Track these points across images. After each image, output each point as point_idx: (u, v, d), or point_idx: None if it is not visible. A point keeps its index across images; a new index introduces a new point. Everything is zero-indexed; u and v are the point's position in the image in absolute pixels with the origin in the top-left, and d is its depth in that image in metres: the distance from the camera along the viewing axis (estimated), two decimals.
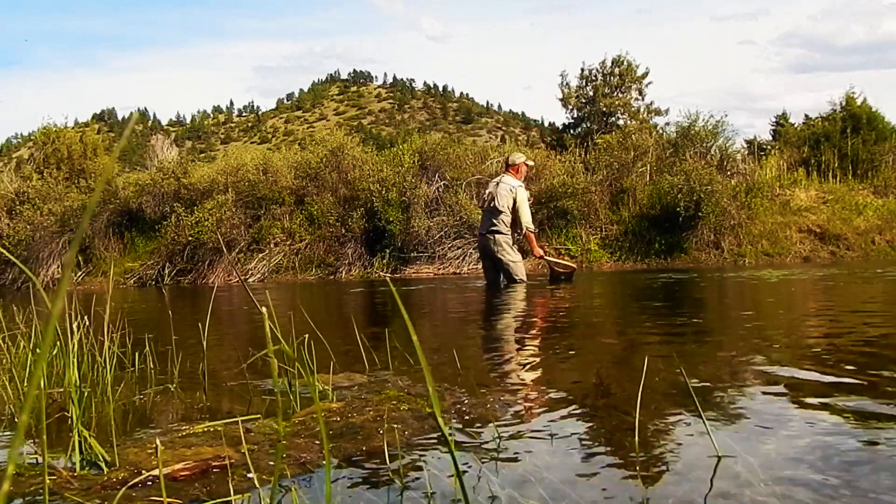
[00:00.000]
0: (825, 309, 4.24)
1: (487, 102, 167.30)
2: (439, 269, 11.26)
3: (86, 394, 1.70)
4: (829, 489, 1.12)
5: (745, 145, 14.74)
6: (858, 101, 14.40)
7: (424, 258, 11.49)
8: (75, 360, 1.75)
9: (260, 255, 12.41)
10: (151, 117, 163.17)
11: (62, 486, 1.25)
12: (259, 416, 1.69)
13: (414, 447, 1.45)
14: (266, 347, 0.94)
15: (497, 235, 6.83)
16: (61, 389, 1.88)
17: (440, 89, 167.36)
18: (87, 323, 2.07)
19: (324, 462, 1.33)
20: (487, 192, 7.12)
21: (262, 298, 5.62)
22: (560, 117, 63.43)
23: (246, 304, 6.12)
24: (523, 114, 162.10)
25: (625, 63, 20.35)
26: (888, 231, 11.74)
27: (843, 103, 14.49)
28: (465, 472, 1.28)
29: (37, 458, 1.43)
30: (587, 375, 2.25)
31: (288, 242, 12.52)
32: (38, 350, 1.99)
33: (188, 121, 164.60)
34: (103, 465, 1.34)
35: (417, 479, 1.25)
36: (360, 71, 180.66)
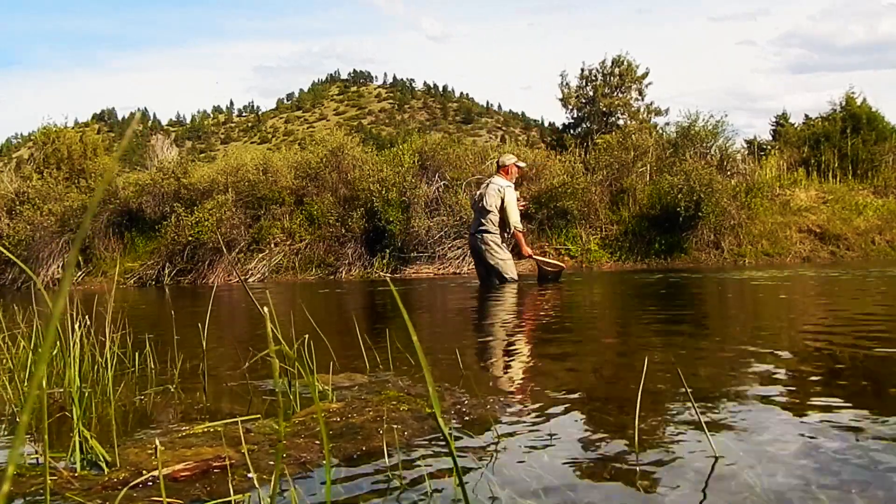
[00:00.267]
0: (824, 309, 4.24)
1: (487, 102, 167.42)
2: (439, 269, 11.27)
3: (86, 394, 1.70)
4: (828, 490, 1.13)
5: (745, 145, 14.74)
6: (858, 101, 14.40)
7: (424, 258, 11.49)
8: (76, 361, 1.75)
9: (260, 255, 12.41)
10: (151, 117, 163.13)
11: (63, 486, 1.25)
12: (259, 416, 1.70)
13: (414, 447, 1.45)
14: (267, 348, 0.94)
15: (485, 235, 6.91)
16: (62, 389, 1.88)
17: (440, 89, 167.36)
18: (88, 323, 2.07)
19: (324, 462, 1.33)
20: (478, 192, 7.22)
21: (262, 298, 5.62)
22: (560, 117, 63.44)
23: (246, 305, 6.12)
24: (523, 114, 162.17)
25: (625, 63, 20.34)
26: (888, 231, 11.74)
27: (843, 103, 14.49)
28: (464, 472, 1.28)
29: (38, 459, 1.43)
30: (587, 376, 2.25)
31: (288, 242, 12.52)
32: (38, 350, 2.00)
33: (188, 121, 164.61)
34: (104, 465, 1.35)
35: (417, 479, 1.26)
36: (360, 71, 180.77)
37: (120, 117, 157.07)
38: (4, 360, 2.24)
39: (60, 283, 0.38)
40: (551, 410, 1.72)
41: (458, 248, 11.41)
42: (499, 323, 4.12)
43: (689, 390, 1.50)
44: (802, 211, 12.16)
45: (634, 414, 1.44)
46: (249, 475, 1.26)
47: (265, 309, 1.01)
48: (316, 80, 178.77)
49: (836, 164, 13.69)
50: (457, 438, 1.49)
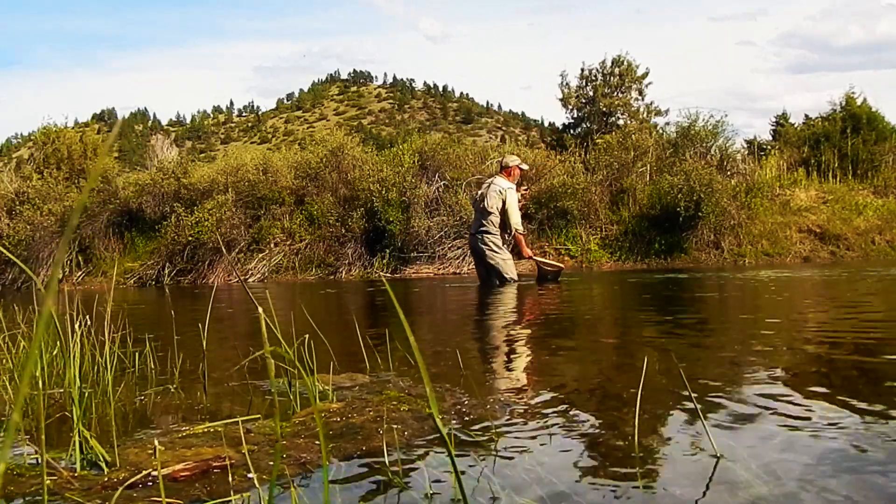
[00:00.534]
0: (825, 309, 4.24)
1: (487, 102, 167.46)
2: (439, 269, 11.26)
3: (86, 394, 1.70)
4: (828, 489, 1.12)
5: (745, 145, 14.74)
6: (858, 102, 14.39)
7: (424, 258, 11.49)
8: (76, 361, 1.75)
9: (260, 255, 12.41)
10: (151, 117, 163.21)
11: (62, 486, 1.25)
12: (259, 416, 1.70)
13: (414, 447, 1.45)
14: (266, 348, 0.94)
15: (486, 236, 6.91)
16: (62, 389, 1.88)
17: (440, 89, 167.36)
18: (88, 323, 2.07)
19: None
20: (479, 192, 7.20)
21: (261, 298, 5.62)
22: (560, 117, 63.38)
23: (246, 304, 6.13)
24: (523, 114, 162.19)
25: (625, 63, 20.33)
26: (888, 231, 11.74)
27: (843, 103, 14.49)
28: (464, 472, 1.28)
29: (37, 459, 1.43)
30: (587, 375, 2.25)
31: (288, 242, 12.52)
32: (37, 351, 1.99)
33: (188, 121, 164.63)
34: (104, 465, 1.35)
35: (417, 479, 1.25)
36: (360, 71, 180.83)
37: (120, 117, 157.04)
38: (4, 361, 2.24)
39: (49, 280, 0.38)
40: (551, 410, 1.72)
41: (458, 248, 11.41)
42: (499, 323, 4.12)
43: (690, 389, 1.50)
44: (802, 211, 12.16)
45: (635, 413, 1.44)
46: (249, 475, 1.26)
47: (259, 309, 1.01)
48: (316, 80, 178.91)
49: (836, 164, 13.69)
50: (457, 438, 1.49)
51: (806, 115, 17.61)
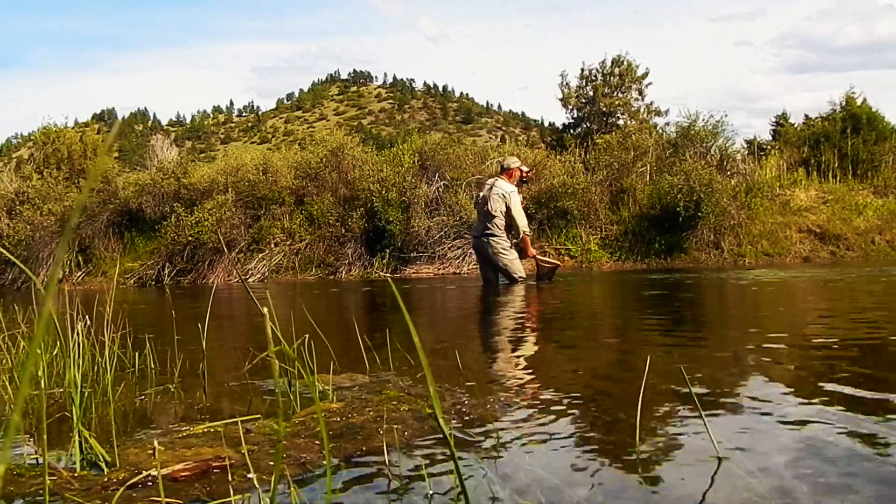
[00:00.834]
0: (824, 309, 4.24)
1: (487, 102, 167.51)
2: (439, 269, 11.26)
3: (86, 394, 1.70)
4: (829, 489, 1.12)
5: (745, 145, 14.73)
6: (858, 102, 14.39)
7: (424, 258, 11.49)
8: (76, 361, 1.75)
9: (260, 255, 12.40)
10: (151, 117, 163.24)
11: (62, 486, 1.25)
12: (259, 416, 1.69)
13: (414, 447, 1.45)
14: (267, 348, 0.94)
15: (491, 238, 6.94)
16: (62, 389, 1.88)
17: (440, 89, 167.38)
18: (88, 323, 2.07)
19: (324, 462, 1.33)
20: (481, 194, 7.19)
21: (262, 298, 5.61)
22: (560, 117, 63.42)
23: (246, 304, 6.12)
24: (523, 114, 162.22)
25: (625, 63, 20.34)
26: (888, 231, 11.74)
27: (843, 103, 14.49)
28: (464, 472, 1.28)
29: (37, 459, 1.43)
30: (587, 375, 2.25)
31: (288, 242, 12.52)
32: (38, 350, 1.99)
33: (188, 121, 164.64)
34: (104, 465, 1.34)
35: (417, 479, 1.25)
36: (360, 71, 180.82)
37: (120, 117, 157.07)
38: (4, 361, 2.24)
39: (49, 280, 0.38)
40: (551, 410, 1.72)
41: (458, 248, 11.41)
42: (498, 323, 4.12)
43: (691, 389, 1.49)
44: (802, 211, 12.16)
45: (635, 413, 1.44)
46: (249, 475, 1.26)
47: (265, 309, 1.01)
48: (316, 80, 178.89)
49: (836, 164, 13.69)
50: (457, 438, 1.49)
51: (806, 115, 17.61)
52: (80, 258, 13.75)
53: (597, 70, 20.51)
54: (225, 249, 12.27)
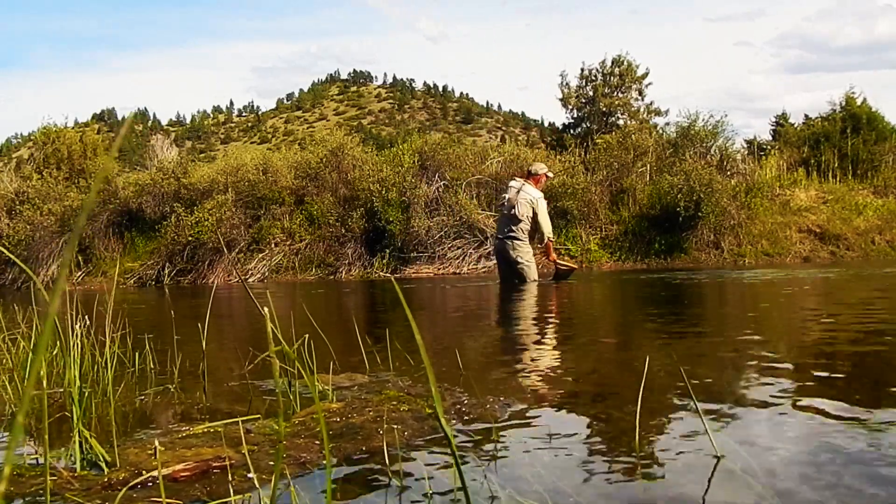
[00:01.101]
0: (824, 309, 4.24)
1: (487, 102, 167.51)
2: (439, 269, 11.27)
3: (86, 394, 1.70)
4: (829, 489, 1.12)
5: (745, 145, 14.74)
6: (858, 102, 14.39)
7: (424, 258, 11.49)
8: (76, 361, 1.75)
9: (260, 255, 12.40)
10: (151, 117, 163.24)
11: (63, 486, 1.25)
12: (259, 416, 1.69)
13: (414, 447, 1.45)
14: (267, 348, 0.94)
15: (514, 241, 7.19)
16: (62, 389, 1.88)
17: (440, 89, 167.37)
18: (88, 323, 2.07)
19: (324, 462, 1.33)
20: (507, 196, 7.35)
21: (262, 298, 5.61)
22: (560, 117, 63.40)
23: (246, 304, 6.12)
24: (523, 114, 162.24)
25: (625, 63, 20.34)
26: (888, 231, 11.74)
27: (843, 103, 14.49)
28: (464, 471, 1.28)
29: (38, 459, 1.43)
30: (587, 375, 2.25)
31: (288, 242, 12.52)
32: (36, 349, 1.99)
33: (188, 121, 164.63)
34: (104, 465, 1.35)
35: (417, 479, 1.25)
36: (360, 71, 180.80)
37: (120, 117, 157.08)
38: (4, 360, 2.24)
39: (56, 281, 0.38)
40: (551, 409, 1.72)
41: (458, 248, 11.42)
42: (499, 323, 4.12)
43: (691, 389, 1.50)
44: (802, 211, 12.16)
45: (635, 413, 1.44)
46: (249, 475, 1.26)
47: (265, 309, 1.01)
48: (316, 81, 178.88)
49: (836, 164, 13.69)
50: (457, 438, 1.49)
51: (806, 116, 17.62)
52: (79, 258, 13.75)
53: (597, 70, 20.51)
54: (225, 249, 12.27)
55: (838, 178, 13.52)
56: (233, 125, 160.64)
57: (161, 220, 13.09)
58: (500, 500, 1.14)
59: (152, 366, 2.44)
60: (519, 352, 2.89)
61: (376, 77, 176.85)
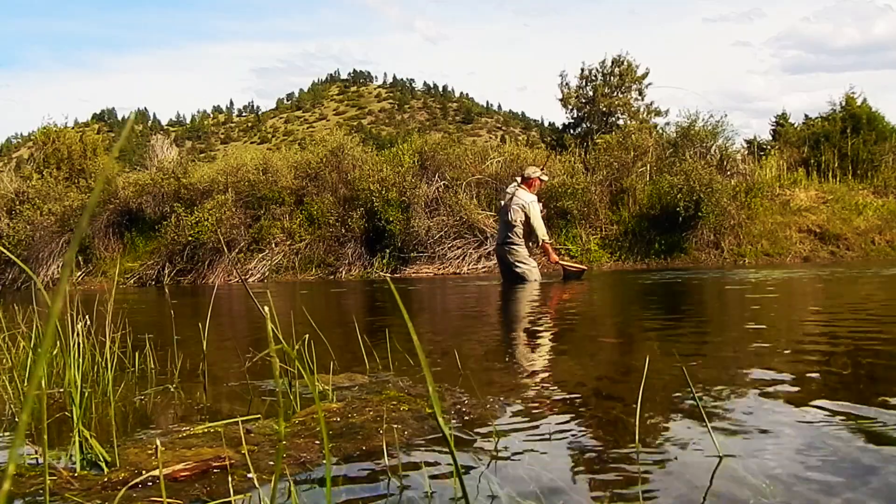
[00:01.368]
0: (824, 309, 4.24)
1: (487, 102, 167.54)
2: (439, 269, 11.26)
3: (86, 394, 1.70)
4: (829, 489, 1.12)
5: (745, 145, 14.73)
6: (858, 102, 14.38)
7: (424, 258, 11.49)
8: (76, 361, 1.75)
9: (260, 255, 12.40)
10: (151, 117, 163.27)
11: (63, 486, 1.25)
12: (259, 416, 1.69)
13: (414, 447, 1.45)
14: (267, 348, 0.94)
15: (512, 247, 7.23)
16: (62, 389, 1.88)
17: (440, 89, 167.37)
18: (88, 323, 2.07)
19: (324, 462, 1.33)
20: (502, 203, 7.42)
21: (262, 298, 5.62)
22: (560, 117, 63.42)
23: (246, 304, 6.12)
24: (523, 114, 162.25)
25: (625, 63, 20.33)
26: (888, 231, 11.73)
27: (843, 103, 14.48)
28: (464, 472, 1.28)
29: (37, 459, 1.43)
30: (587, 375, 2.25)
31: (288, 242, 12.52)
32: (38, 350, 1.99)
33: (188, 121, 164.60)
34: (104, 465, 1.34)
35: (417, 478, 1.25)
36: (360, 71, 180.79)
37: (120, 117, 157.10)
38: (4, 360, 2.24)
39: (58, 282, 0.38)
40: (551, 410, 1.72)
41: (458, 248, 11.41)
42: (499, 323, 4.12)
43: (692, 388, 1.49)
44: (802, 211, 12.16)
45: (636, 413, 1.44)
46: (249, 475, 1.26)
47: (266, 309, 1.01)
48: (316, 81, 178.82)
49: (836, 164, 13.68)
50: (457, 438, 1.49)
51: (806, 115, 17.61)
52: (80, 258, 13.75)
53: (596, 70, 20.50)
54: (225, 249, 12.26)
55: (838, 178, 13.51)
56: (233, 125, 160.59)
57: (161, 220, 13.09)
58: (499, 500, 1.14)
59: (152, 366, 2.44)
60: (519, 352, 2.89)
61: (376, 77, 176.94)
